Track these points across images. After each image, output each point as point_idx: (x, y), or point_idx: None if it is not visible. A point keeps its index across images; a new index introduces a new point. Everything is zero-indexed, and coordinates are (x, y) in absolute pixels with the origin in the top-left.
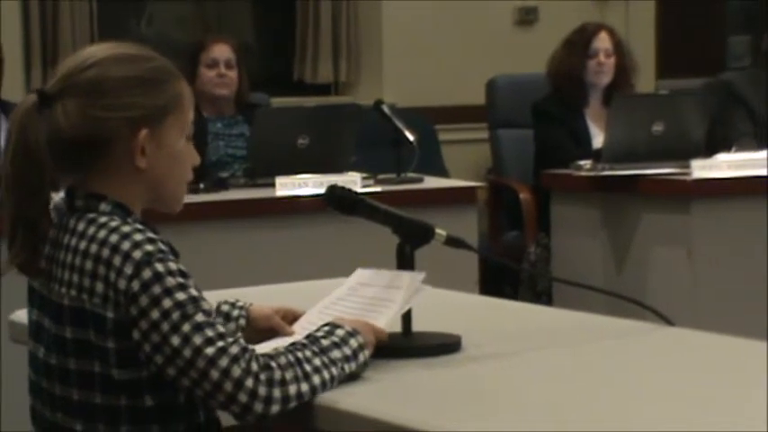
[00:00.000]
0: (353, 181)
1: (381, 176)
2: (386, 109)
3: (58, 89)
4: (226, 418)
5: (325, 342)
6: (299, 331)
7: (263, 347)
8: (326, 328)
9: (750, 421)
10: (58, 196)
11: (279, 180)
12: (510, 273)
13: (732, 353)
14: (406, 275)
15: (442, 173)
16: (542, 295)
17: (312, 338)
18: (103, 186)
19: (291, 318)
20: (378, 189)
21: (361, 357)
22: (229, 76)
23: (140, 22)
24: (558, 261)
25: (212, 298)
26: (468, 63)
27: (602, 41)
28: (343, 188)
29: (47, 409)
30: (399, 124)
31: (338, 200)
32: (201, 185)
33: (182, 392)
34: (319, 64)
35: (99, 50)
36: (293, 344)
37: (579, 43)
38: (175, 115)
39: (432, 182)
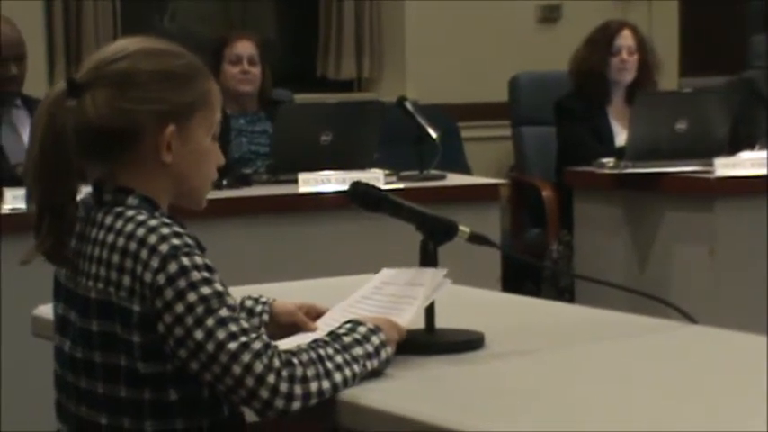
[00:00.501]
0: (376, 178)
1: (404, 173)
2: (409, 106)
3: (88, 79)
4: (250, 415)
5: (346, 339)
6: (322, 328)
7: (285, 343)
8: (348, 326)
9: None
10: (85, 191)
11: (302, 176)
12: (532, 270)
13: (755, 351)
14: (428, 272)
15: (465, 170)
16: (565, 292)
17: (334, 336)
18: (130, 180)
19: (314, 314)
20: (400, 186)
21: (383, 354)
22: (252, 72)
23: (163, 18)
24: (580, 258)
25: (235, 293)
26: (491, 60)
27: (625, 39)
28: (366, 185)
29: (71, 403)
30: (422, 121)
31: (362, 196)
32: (224, 182)
33: (205, 387)
34: (342, 60)
35: (130, 44)
36: (315, 341)
37: (602, 41)
38: (203, 113)
39: (454, 179)
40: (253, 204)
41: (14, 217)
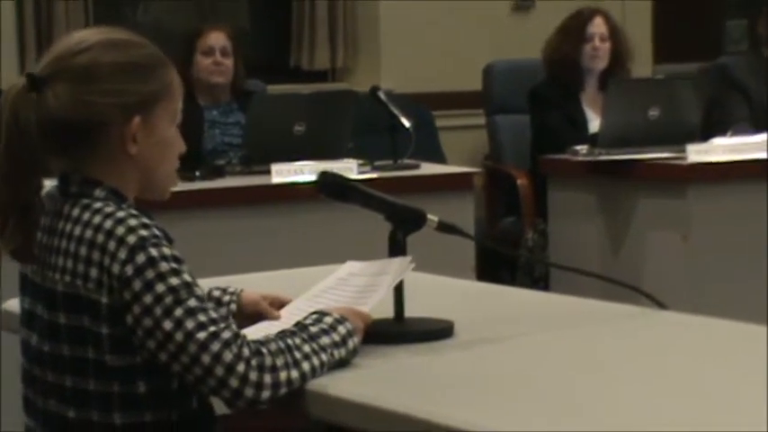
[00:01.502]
0: (350, 167)
1: (378, 163)
2: (382, 95)
3: (49, 73)
4: (220, 408)
5: (313, 329)
6: (287, 317)
7: (249, 332)
8: (314, 316)
9: (739, 404)
10: (50, 184)
11: (275, 167)
12: (507, 258)
13: (723, 336)
14: (395, 261)
15: (440, 159)
16: (540, 281)
17: (301, 326)
18: (96, 172)
19: (279, 305)
20: (374, 175)
21: (351, 344)
22: (225, 63)
23: (136, 11)
24: (555, 246)
25: (204, 285)
26: (465, 49)
27: (598, 26)
28: (334, 175)
29: (39, 398)
30: (395, 110)
31: (330, 186)
32: (198, 173)
33: (175, 379)
34: (316, 50)
35: (91, 35)
36: (282, 331)
37: (574, 28)
38: (166, 102)
39: (428, 168)
40: (226, 196)
41: None
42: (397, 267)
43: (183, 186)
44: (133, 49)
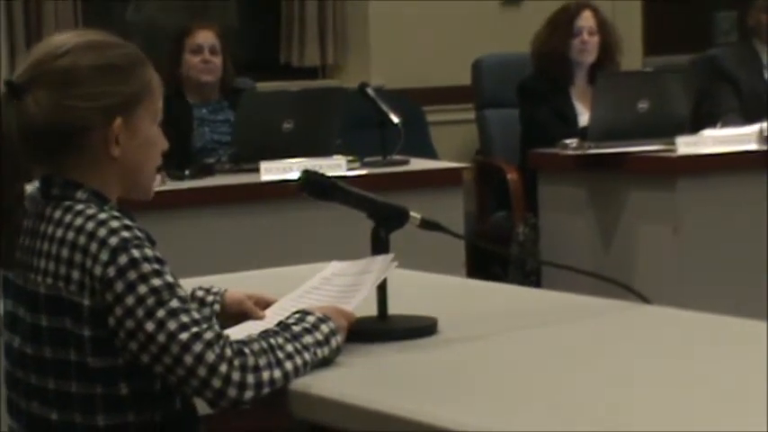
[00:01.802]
0: (338, 164)
1: (367, 159)
2: (370, 91)
3: (28, 79)
4: (203, 409)
5: (296, 328)
6: (271, 317)
7: (233, 332)
8: (297, 315)
9: (719, 396)
10: (32, 186)
11: (264, 165)
12: (498, 254)
13: (706, 330)
14: (378, 259)
15: (431, 154)
16: (531, 275)
17: (283, 325)
18: (78, 176)
19: (263, 305)
20: (363, 172)
21: (334, 342)
22: (214, 62)
23: (126, 9)
24: (546, 240)
25: (189, 285)
26: (455, 44)
27: (586, 20)
28: (316, 173)
29: (22, 400)
30: (384, 107)
31: (311, 185)
32: (187, 172)
33: (157, 380)
34: (306, 47)
35: (69, 38)
36: (265, 331)
37: (562, 22)
38: (147, 102)
39: (417, 164)
40: (215, 194)
41: None
42: (380, 265)
43: (172, 185)
44: (111, 50)
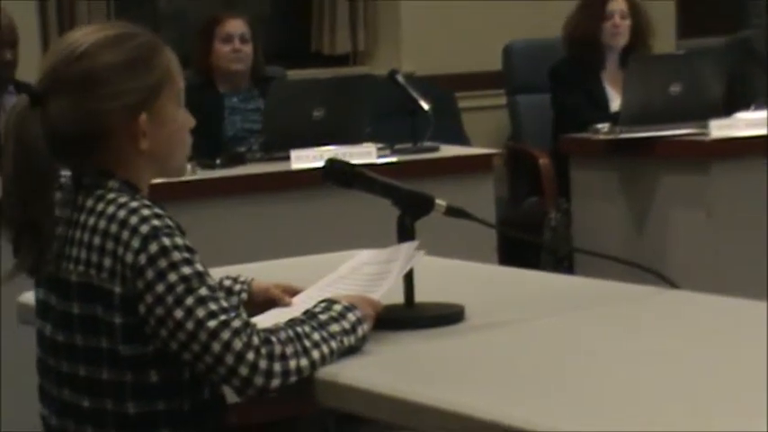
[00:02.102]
0: (369, 152)
1: (397, 146)
2: (400, 78)
3: (49, 86)
4: (231, 397)
5: (323, 317)
6: (298, 305)
7: (260, 320)
8: (323, 304)
9: (741, 383)
10: (65, 175)
11: (294, 153)
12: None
13: (734, 314)
14: (403, 246)
15: (463, 141)
16: (564, 261)
17: (310, 314)
18: (110, 168)
19: (291, 294)
20: (393, 159)
21: (360, 331)
22: (244, 50)
23: (157, 5)
24: (578, 225)
25: (217, 274)
26: (486, 29)
27: (618, 3)
28: (340, 161)
29: (54, 388)
30: (414, 93)
31: (335, 174)
32: (218, 161)
33: (186, 369)
34: (337, 35)
35: (83, 36)
36: (292, 320)
37: (594, 6)
38: (169, 88)
39: (447, 150)
40: (246, 183)
41: None
42: (405, 253)
43: (203, 174)
44: (126, 43)
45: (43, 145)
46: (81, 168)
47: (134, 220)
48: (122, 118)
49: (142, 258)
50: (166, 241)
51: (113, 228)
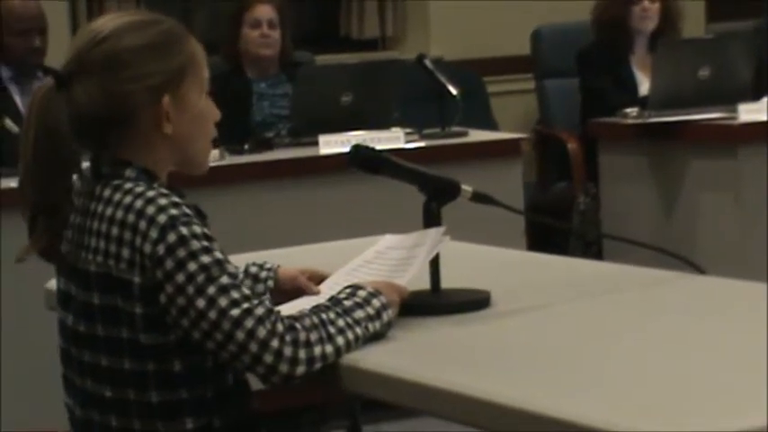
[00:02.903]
0: (397, 137)
1: (426, 131)
2: (428, 63)
3: (74, 68)
4: (255, 384)
5: (347, 303)
6: (325, 292)
7: (286, 308)
8: (348, 290)
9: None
10: (84, 164)
11: (322, 138)
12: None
13: (762, 299)
14: (429, 232)
15: (492, 125)
16: (592, 245)
17: (335, 300)
18: (131, 154)
19: (317, 280)
20: (422, 144)
21: (385, 317)
22: (273, 36)
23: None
24: (606, 210)
25: (242, 260)
26: (514, 13)
27: None
28: (365, 147)
29: (77, 377)
30: (442, 78)
31: (361, 160)
32: (246, 146)
33: (209, 356)
34: (365, 19)
35: (107, 21)
36: (316, 306)
37: None
38: (193, 75)
39: (476, 135)
40: (274, 168)
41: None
42: (432, 239)
43: (231, 160)
44: (149, 28)
45: (67, 128)
46: (100, 157)
47: (151, 209)
48: (145, 100)
49: (161, 248)
50: (184, 230)
51: (131, 218)
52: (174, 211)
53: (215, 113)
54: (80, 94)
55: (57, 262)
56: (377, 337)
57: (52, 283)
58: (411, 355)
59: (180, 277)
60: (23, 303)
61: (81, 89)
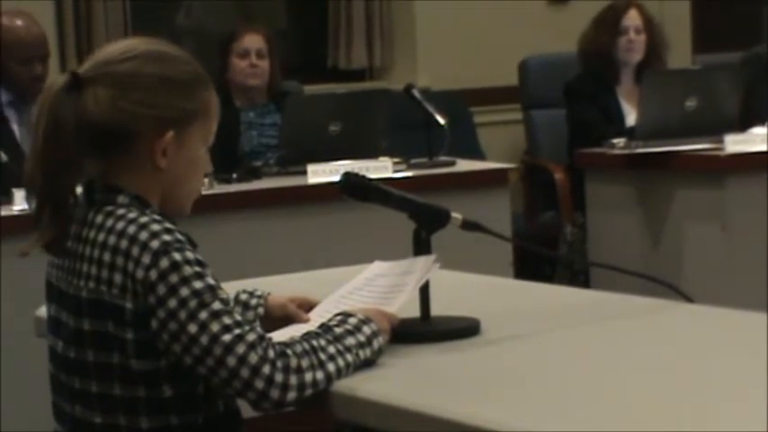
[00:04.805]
0: (385, 166)
1: (414, 161)
2: (416, 93)
3: (92, 75)
4: (247, 411)
5: (338, 330)
6: (315, 319)
7: (277, 335)
8: (339, 317)
9: (757, 398)
10: (77, 190)
11: (311, 168)
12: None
13: (749, 328)
14: (419, 260)
15: (479, 155)
16: (580, 274)
17: (325, 327)
18: (122, 180)
19: (307, 307)
20: (409, 173)
21: (376, 344)
22: (261, 65)
23: (177, 15)
24: (594, 239)
25: (232, 288)
26: (501, 44)
27: (632, 19)
28: (356, 175)
29: (67, 404)
30: (430, 108)
31: (352, 187)
32: (234, 175)
33: (200, 382)
34: (353, 50)
35: (139, 44)
36: (307, 333)
37: (609, 21)
38: (202, 122)
39: (463, 165)
40: (262, 197)
41: (22, 218)
42: (422, 266)
43: (219, 188)
44: (176, 64)
45: (71, 129)
46: (93, 178)
47: (144, 235)
48: (150, 127)
49: (153, 274)
50: (177, 256)
51: (123, 243)
52: (166, 237)
53: (207, 166)
54: (90, 99)
55: (61, 256)
56: (367, 364)
57: (42, 311)
58: (402, 382)
59: (172, 302)
60: (27, 302)
61: (92, 95)
